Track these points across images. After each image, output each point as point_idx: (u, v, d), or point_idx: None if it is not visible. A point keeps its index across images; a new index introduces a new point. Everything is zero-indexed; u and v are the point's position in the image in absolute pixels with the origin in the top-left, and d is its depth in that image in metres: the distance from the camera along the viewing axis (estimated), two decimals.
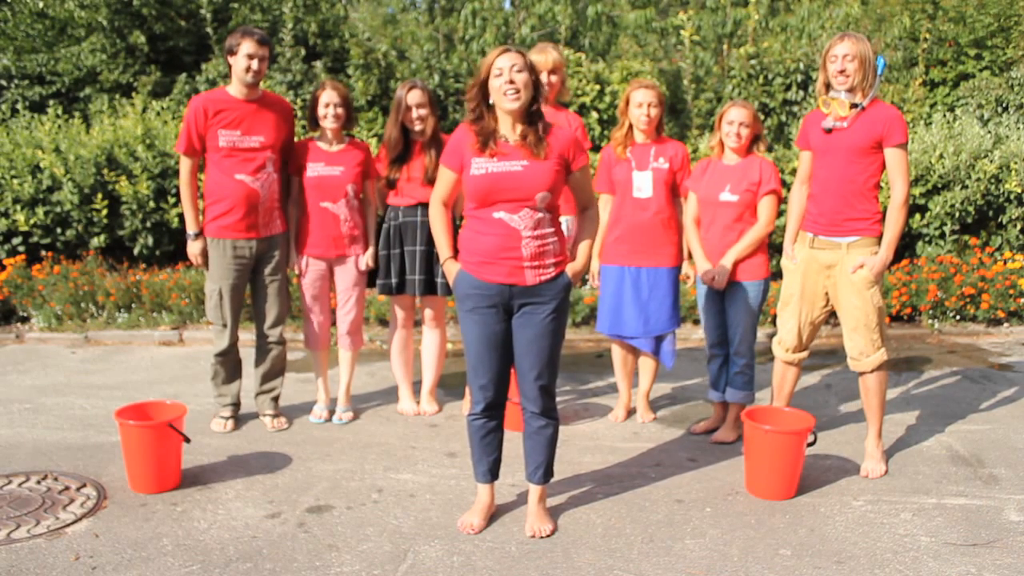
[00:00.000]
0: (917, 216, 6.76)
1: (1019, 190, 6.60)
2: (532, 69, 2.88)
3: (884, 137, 3.40)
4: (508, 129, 2.90)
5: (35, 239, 6.97)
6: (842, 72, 3.43)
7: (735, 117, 3.87)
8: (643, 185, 4.01)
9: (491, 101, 2.89)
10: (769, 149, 4.55)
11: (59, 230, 6.98)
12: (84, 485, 3.52)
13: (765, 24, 9.44)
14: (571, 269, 3.01)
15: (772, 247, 4.30)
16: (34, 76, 8.92)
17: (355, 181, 4.15)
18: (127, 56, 8.85)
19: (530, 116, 2.89)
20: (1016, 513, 3.24)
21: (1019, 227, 6.77)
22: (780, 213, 4.14)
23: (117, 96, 8.57)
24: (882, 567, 2.84)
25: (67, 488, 3.48)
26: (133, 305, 6.55)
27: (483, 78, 2.87)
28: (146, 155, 6.96)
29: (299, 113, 7.17)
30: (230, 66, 3.97)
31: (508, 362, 3.04)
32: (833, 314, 3.79)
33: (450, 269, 3.03)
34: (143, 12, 8.70)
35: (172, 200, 6.92)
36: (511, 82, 2.81)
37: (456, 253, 3.05)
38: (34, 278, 6.62)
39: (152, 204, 6.92)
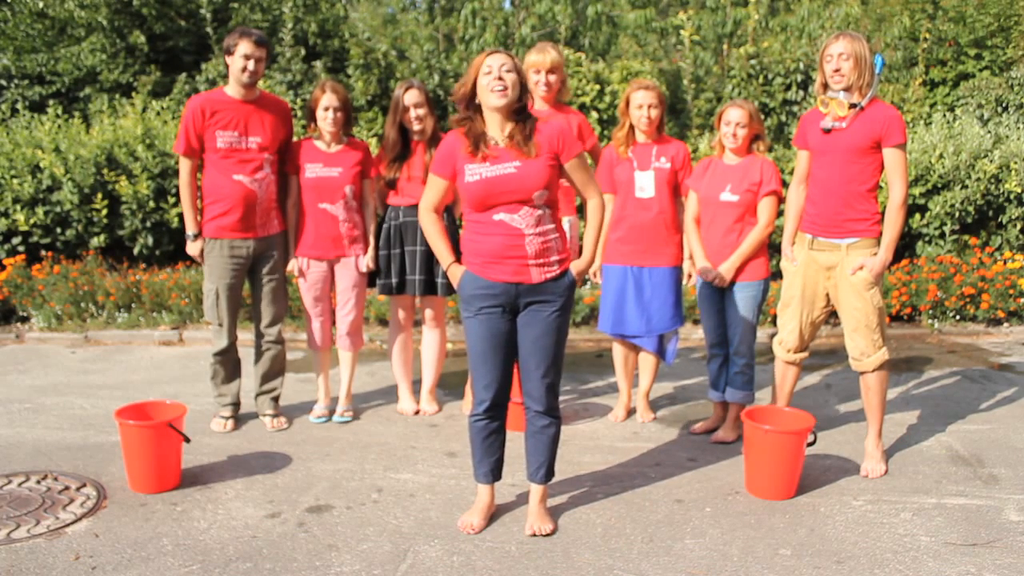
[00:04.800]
0: (917, 216, 6.76)
1: (1019, 190, 6.60)
2: (520, 72, 2.90)
3: (883, 137, 3.40)
4: (496, 130, 2.91)
5: (35, 239, 6.97)
6: (837, 71, 3.43)
7: (732, 117, 3.87)
8: (645, 185, 4.01)
9: (478, 101, 2.90)
10: (769, 149, 4.55)
11: (59, 230, 6.98)
12: (84, 485, 3.52)
13: (765, 24, 9.44)
14: (576, 267, 3.00)
15: (772, 247, 4.30)
16: (34, 76, 8.92)
17: (354, 182, 4.15)
18: (127, 56, 8.85)
19: (516, 115, 2.89)
20: (1016, 513, 3.24)
21: (1019, 227, 6.77)
22: (780, 213, 4.13)
23: (117, 96, 8.58)
24: (882, 567, 2.84)
25: (67, 488, 3.48)
26: (133, 305, 6.55)
27: (473, 78, 2.87)
28: (146, 155, 6.96)
29: (298, 113, 7.18)
30: (228, 66, 3.97)
31: (511, 362, 3.04)
32: (833, 314, 3.79)
33: (454, 273, 3.01)
34: (143, 12, 8.70)
35: (172, 200, 6.92)
36: (500, 79, 2.82)
37: (458, 257, 3.05)
38: (34, 278, 6.62)
39: (152, 204, 6.92)
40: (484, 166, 2.87)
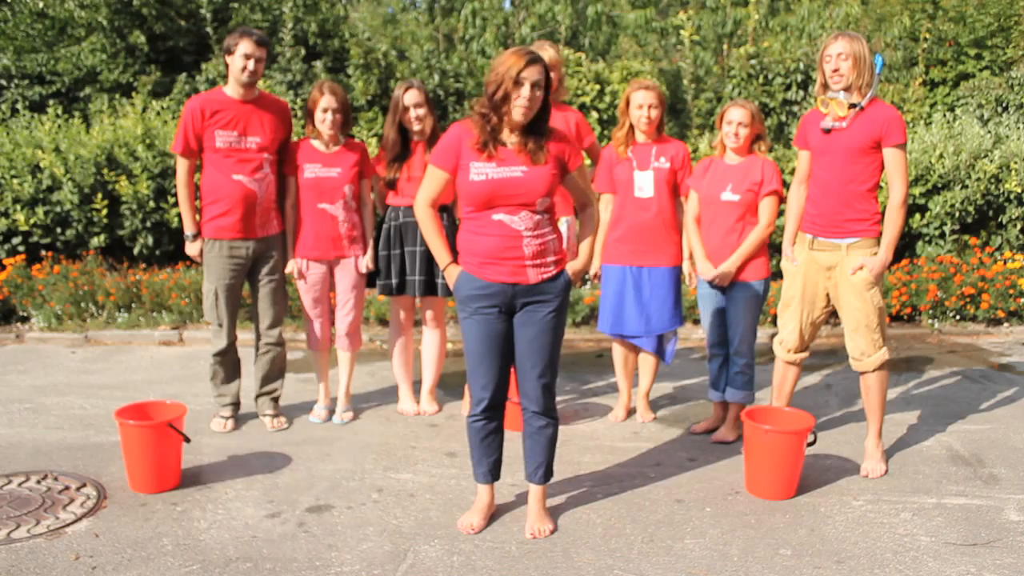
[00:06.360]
0: (917, 216, 6.76)
1: (1019, 190, 6.60)
2: (549, 85, 2.84)
3: (883, 137, 3.40)
4: (507, 133, 2.88)
5: (35, 239, 6.97)
6: (836, 71, 3.43)
7: (734, 117, 3.87)
8: (644, 185, 4.01)
9: (501, 97, 2.81)
10: (770, 149, 4.55)
11: (59, 230, 6.98)
12: (84, 485, 3.52)
13: (765, 24, 9.45)
14: (571, 268, 3.01)
15: (772, 247, 4.30)
16: (34, 76, 8.92)
17: (352, 182, 4.14)
18: (127, 56, 8.85)
19: (530, 126, 2.86)
20: (1016, 513, 3.24)
21: (1019, 227, 6.77)
22: (781, 213, 4.14)
23: (117, 96, 8.58)
24: (882, 567, 2.84)
25: (67, 488, 3.48)
26: (133, 305, 6.55)
27: (510, 82, 2.75)
28: (146, 155, 6.96)
29: (298, 113, 7.19)
30: (227, 66, 3.96)
31: (509, 362, 3.04)
32: (834, 314, 3.79)
33: (451, 274, 2.98)
34: (143, 12, 8.70)
35: (172, 200, 6.92)
36: (530, 99, 2.77)
37: (455, 257, 3.03)
38: (34, 278, 6.62)
39: (152, 204, 6.92)
40: (490, 166, 2.84)
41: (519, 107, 2.78)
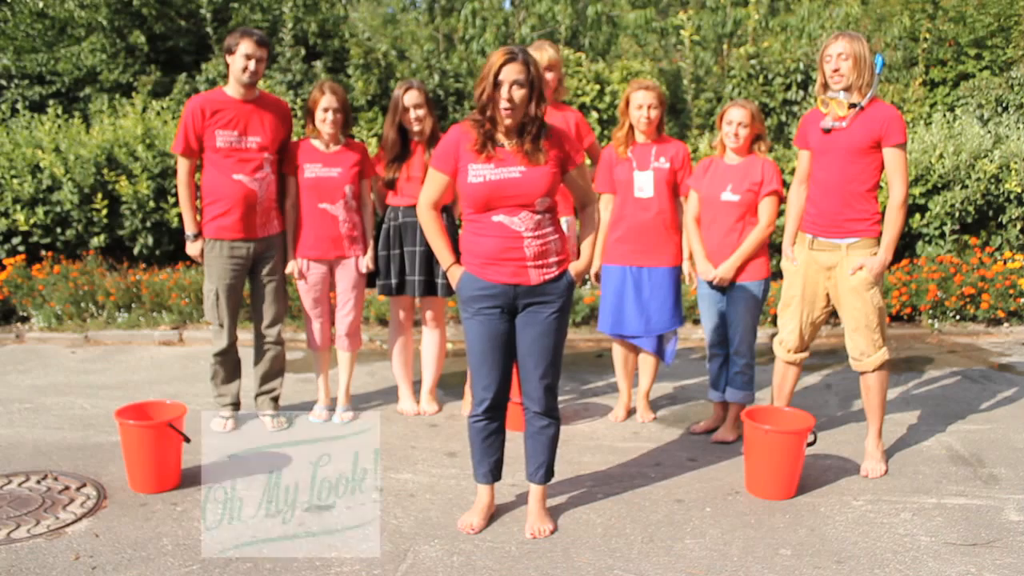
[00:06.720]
0: (917, 216, 6.76)
1: (1019, 190, 6.60)
2: (534, 81, 2.79)
3: (883, 137, 3.40)
4: (503, 134, 2.88)
5: (35, 239, 6.97)
6: (836, 71, 3.43)
7: (734, 117, 3.87)
8: (644, 185, 4.01)
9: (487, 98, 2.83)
10: (770, 149, 4.55)
11: (59, 230, 6.98)
12: (84, 485, 3.52)
13: (765, 24, 9.44)
14: (574, 268, 3.01)
15: (772, 247, 4.30)
16: (34, 76, 8.92)
17: (353, 182, 4.14)
18: (127, 56, 8.85)
19: (524, 127, 2.84)
20: (1016, 513, 3.24)
21: (1019, 227, 6.77)
22: (781, 213, 4.14)
23: (117, 96, 8.57)
24: (882, 567, 2.84)
25: (67, 488, 3.48)
26: (133, 305, 6.55)
27: (491, 83, 2.76)
28: (146, 155, 6.96)
29: (298, 113, 7.18)
30: (228, 65, 3.97)
31: (511, 363, 3.04)
32: (834, 314, 3.79)
33: (454, 274, 2.99)
34: (143, 12, 8.70)
35: (172, 200, 6.92)
36: (509, 99, 2.76)
37: (457, 257, 3.03)
38: (34, 278, 6.62)
39: (152, 204, 6.92)
40: (488, 168, 2.84)
41: (502, 109, 2.77)
